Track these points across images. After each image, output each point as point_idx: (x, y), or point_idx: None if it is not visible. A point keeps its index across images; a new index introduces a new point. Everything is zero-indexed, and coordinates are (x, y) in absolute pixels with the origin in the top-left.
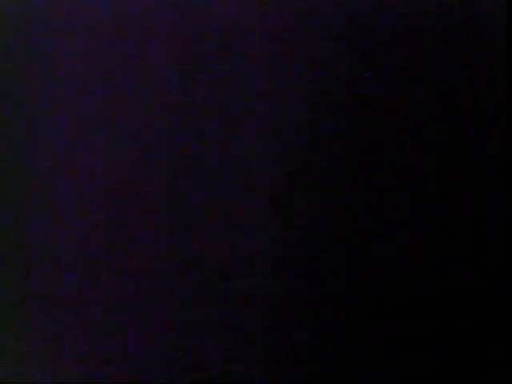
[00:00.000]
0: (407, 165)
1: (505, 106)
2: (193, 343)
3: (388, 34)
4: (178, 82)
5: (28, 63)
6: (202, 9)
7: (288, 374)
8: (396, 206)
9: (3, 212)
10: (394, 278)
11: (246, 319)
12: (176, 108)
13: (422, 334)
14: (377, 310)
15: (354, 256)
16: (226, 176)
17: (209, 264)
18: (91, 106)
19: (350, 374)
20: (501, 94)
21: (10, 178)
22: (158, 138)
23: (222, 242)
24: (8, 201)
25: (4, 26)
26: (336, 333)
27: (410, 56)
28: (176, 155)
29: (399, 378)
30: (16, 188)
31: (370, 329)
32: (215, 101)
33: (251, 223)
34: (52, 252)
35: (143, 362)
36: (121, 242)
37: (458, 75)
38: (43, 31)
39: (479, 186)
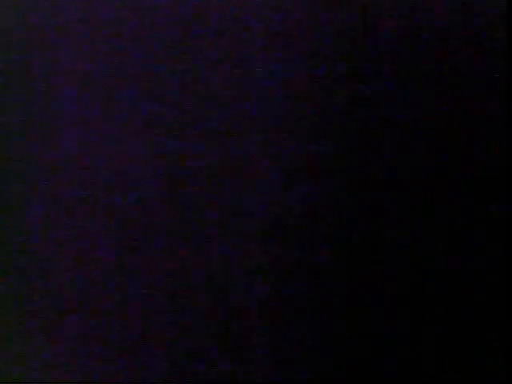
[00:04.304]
0: (408, 165)
1: (505, 106)
2: (192, 345)
3: (388, 34)
4: (177, 81)
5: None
6: (201, 6)
7: (288, 374)
8: (396, 207)
9: (3, 212)
10: (394, 279)
11: (247, 324)
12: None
13: (421, 334)
14: (376, 312)
15: (353, 259)
16: (226, 176)
17: (207, 263)
18: (92, 107)
19: (349, 375)
20: (501, 93)
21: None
22: (159, 138)
23: (221, 242)
24: (8, 201)
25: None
26: (336, 334)
27: (410, 55)
28: (176, 155)
29: (399, 378)
30: (16, 188)
31: (369, 330)
32: (217, 100)
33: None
34: (52, 255)
35: (143, 363)
36: (121, 242)
37: (457, 75)
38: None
39: (480, 186)
